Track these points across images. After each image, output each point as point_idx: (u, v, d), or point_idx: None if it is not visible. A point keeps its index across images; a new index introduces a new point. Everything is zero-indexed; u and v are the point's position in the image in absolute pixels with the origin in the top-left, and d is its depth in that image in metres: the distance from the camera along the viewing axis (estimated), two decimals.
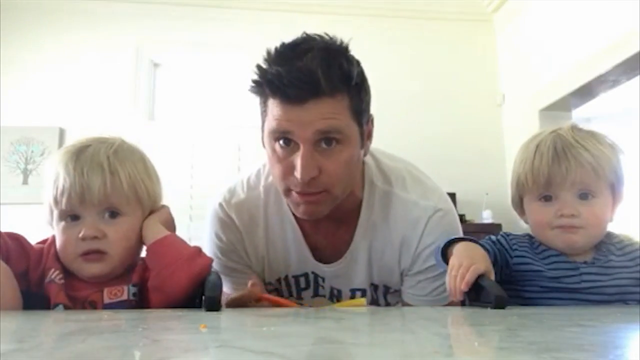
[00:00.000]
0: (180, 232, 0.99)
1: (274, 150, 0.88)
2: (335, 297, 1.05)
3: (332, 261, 1.02)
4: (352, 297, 1.04)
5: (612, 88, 2.97)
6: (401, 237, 1.00)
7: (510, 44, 3.77)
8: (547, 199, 0.92)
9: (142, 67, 3.61)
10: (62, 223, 0.83)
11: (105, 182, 0.82)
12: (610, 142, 0.93)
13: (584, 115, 4.29)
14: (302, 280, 1.05)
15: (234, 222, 1.02)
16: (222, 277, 1.03)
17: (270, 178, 1.02)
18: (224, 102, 3.69)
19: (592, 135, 0.93)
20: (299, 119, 0.83)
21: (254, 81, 0.87)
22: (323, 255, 1.03)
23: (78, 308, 0.81)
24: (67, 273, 0.83)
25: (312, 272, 1.04)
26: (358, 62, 0.90)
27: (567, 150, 0.90)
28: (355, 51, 0.91)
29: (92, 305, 0.81)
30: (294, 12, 3.48)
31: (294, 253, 1.03)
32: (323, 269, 1.03)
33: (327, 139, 0.85)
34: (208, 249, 1.05)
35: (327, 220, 0.97)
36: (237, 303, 0.87)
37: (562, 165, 0.89)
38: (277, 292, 1.07)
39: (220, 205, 1.04)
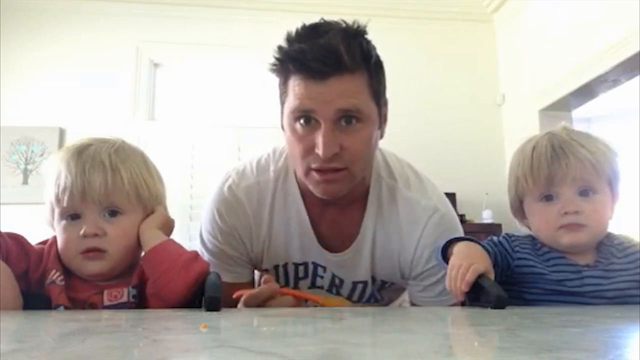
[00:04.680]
0: (180, 232, 0.99)
1: (294, 130, 0.90)
2: (337, 286, 1.05)
3: (338, 250, 1.03)
4: (353, 289, 1.05)
5: (612, 88, 2.98)
6: (401, 233, 1.01)
7: (510, 44, 3.77)
8: (548, 198, 0.92)
9: (142, 67, 3.61)
10: (63, 222, 0.83)
11: (106, 180, 0.82)
12: (603, 141, 0.93)
13: (584, 115, 4.29)
14: (301, 268, 1.05)
15: (242, 205, 1.01)
16: (214, 261, 1.02)
17: (281, 162, 1.04)
18: (224, 102, 3.69)
19: (585, 134, 0.94)
20: (321, 96, 0.85)
21: (277, 59, 0.89)
22: (328, 244, 1.03)
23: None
24: (68, 274, 0.83)
25: (313, 262, 1.04)
26: (374, 46, 0.92)
27: (565, 147, 0.90)
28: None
29: (92, 307, 0.81)
30: (294, 12, 3.48)
31: (297, 239, 1.02)
32: (328, 257, 1.03)
33: (347, 117, 0.87)
34: (207, 231, 1.04)
35: (334, 206, 0.99)
36: (256, 299, 0.86)
37: (561, 162, 0.89)
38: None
39: (230, 187, 1.03)
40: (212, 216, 1.03)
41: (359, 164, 0.91)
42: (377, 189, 1.02)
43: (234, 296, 0.87)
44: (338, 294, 1.06)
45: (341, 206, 1.00)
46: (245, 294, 0.87)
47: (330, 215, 1.01)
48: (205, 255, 1.03)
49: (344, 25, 0.89)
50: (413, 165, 1.10)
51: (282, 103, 0.93)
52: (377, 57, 0.91)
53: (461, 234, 1.00)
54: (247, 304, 0.87)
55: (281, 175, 1.03)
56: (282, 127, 0.95)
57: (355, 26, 0.89)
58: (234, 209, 1.02)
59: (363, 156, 0.91)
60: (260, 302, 0.86)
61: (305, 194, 1.00)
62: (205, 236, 1.05)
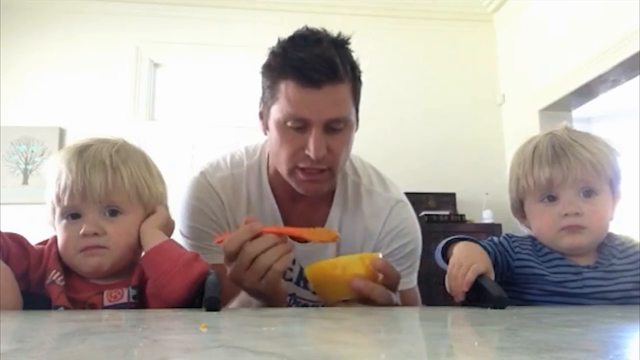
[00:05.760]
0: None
1: (284, 132, 0.94)
2: (304, 279, 1.07)
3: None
4: None
5: (612, 88, 2.98)
6: (365, 226, 1.08)
7: (510, 44, 3.78)
8: (550, 199, 0.91)
9: (142, 67, 3.62)
10: (64, 221, 0.83)
11: (107, 180, 0.82)
12: (604, 141, 0.93)
13: (584, 115, 4.29)
14: None
15: (216, 193, 1.06)
16: (196, 244, 1.03)
17: (255, 159, 1.10)
18: (224, 102, 3.69)
19: (586, 134, 0.94)
20: (315, 104, 0.91)
21: (275, 65, 0.94)
22: None
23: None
24: (68, 274, 0.83)
25: None
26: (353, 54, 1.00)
27: (566, 148, 0.90)
28: (355, 50, 0.99)
29: (92, 307, 0.81)
30: (293, 12, 3.48)
31: None
32: (297, 247, 1.02)
33: (335, 123, 0.94)
34: (184, 218, 1.06)
35: (303, 201, 1.06)
36: (236, 240, 0.80)
37: (562, 163, 0.89)
38: None
39: (203, 174, 1.08)
40: (187, 203, 1.06)
41: (340, 164, 0.99)
42: (343, 184, 1.10)
43: (216, 242, 0.83)
44: (305, 287, 1.08)
45: (310, 201, 1.06)
46: (226, 238, 0.82)
47: (299, 209, 1.08)
48: (188, 244, 1.04)
49: (329, 35, 0.95)
50: (375, 167, 1.19)
51: (269, 105, 0.97)
52: (358, 66, 0.99)
53: (417, 222, 1.13)
54: (227, 248, 0.81)
55: (254, 169, 1.09)
56: (266, 126, 1.00)
57: (341, 37, 0.96)
58: (210, 194, 1.06)
59: (344, 157, 0.99)
60: (242, 244, 0.80)
61: (275, 190, 1.07)
62: (183, 223, 1.06)
